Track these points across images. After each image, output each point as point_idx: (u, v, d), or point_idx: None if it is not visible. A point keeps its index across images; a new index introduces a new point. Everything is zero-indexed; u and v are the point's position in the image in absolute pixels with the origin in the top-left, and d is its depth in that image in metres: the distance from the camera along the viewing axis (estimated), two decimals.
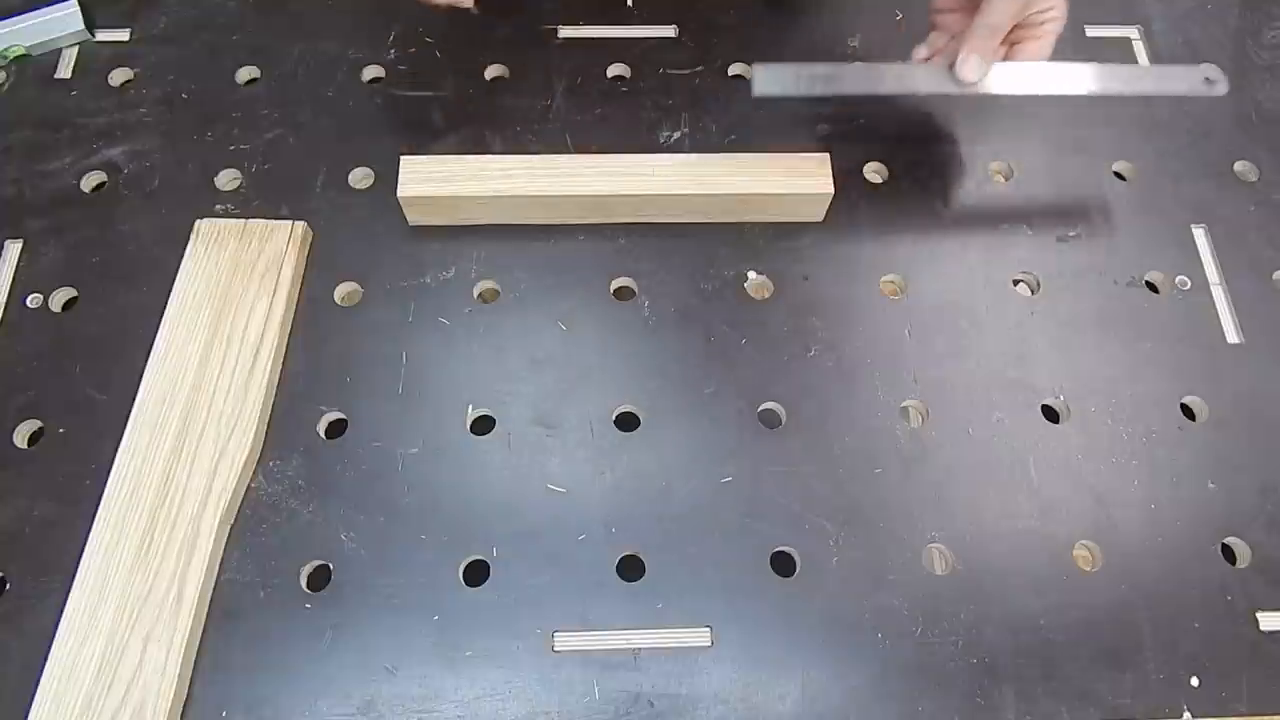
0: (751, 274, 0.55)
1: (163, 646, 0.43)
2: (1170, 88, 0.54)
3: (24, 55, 0.61)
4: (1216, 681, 0.45)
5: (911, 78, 0.53)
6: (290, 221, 0.54)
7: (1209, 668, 0.46)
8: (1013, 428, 0.51)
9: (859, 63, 0.53)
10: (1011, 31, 0.51)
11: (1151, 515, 0.49)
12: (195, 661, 0.44)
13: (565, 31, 0.64)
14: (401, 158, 0.54)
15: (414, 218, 0.55)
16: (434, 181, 0.53)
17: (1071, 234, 0.57)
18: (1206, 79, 0.53)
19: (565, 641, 0.45)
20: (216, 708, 0.43)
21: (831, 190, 0.54)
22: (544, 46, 0.63)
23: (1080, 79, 0.53)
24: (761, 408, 0.51)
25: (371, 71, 0.62)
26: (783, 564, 0.48)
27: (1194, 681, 0.45)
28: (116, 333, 0.52)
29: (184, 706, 0.43)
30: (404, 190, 0.53)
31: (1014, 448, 0.51)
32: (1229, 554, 0.49)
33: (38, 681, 0.42)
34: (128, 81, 0.61)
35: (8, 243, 0.55)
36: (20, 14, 0.60)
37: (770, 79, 0.52)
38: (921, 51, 0.55)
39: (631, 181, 0.54)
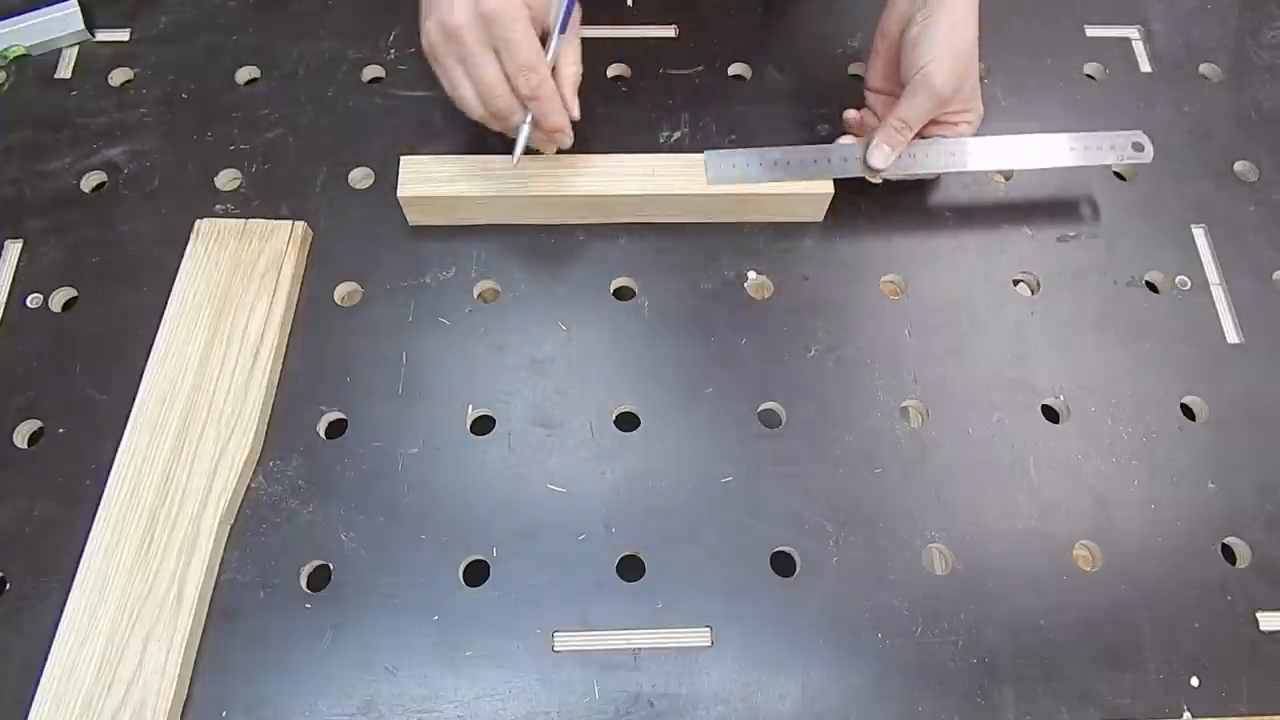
0: (751, 274, 0.55)
1: (163, 646, 0.43)
2: (1100, 158, 0.55)
3: (24, 55, 0.61)
4: (1216, 681, 0.45)
5: (830, 163, 0.54)
6: (290, 221, 0.54)
7: (1209, 668, 0.46)
8: (1013, 428, 0.51)
9: (797, 147, 0.54)
10: (927, 125, 0.53)
11: (1151, 515, 0.49)
12: (195, 661, 0.44)
13: None
14: (401, 158, 0.54)
15: (414, 218, 0.55)
16: (434, 181, 0.53)
17: (1071, 234, 0.57)
18: (1135, 144, 0.54)
19: (565, 641, 0.45)
20: (216, 708, 0.43)
21: (831, 190, 0.54)
22: None
23: (1008, 155, 0.54)
24: (761, 408, 0.51)
25: (371, 71, 0.62)
26: (783, 564, 0.48)
27: (1194, 681, 0.45)
28: (116, 333, 0.52)
29: (184, 706, 0.43)
30: (404, 190, 0.53)
31: (1014, 448, 0.51)
32: (1229, 554, 0.49)
33: (38, 681, 0.42)
34: (128, 81, 0.61)
35: (8, 243, 0.55)
36: (20, 14, 0.60)
37: (721, 165, 0.54)
38: (851, 114, 0.56)
39: (631, 181, 0.54)
